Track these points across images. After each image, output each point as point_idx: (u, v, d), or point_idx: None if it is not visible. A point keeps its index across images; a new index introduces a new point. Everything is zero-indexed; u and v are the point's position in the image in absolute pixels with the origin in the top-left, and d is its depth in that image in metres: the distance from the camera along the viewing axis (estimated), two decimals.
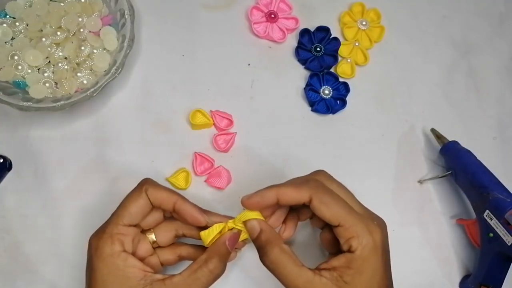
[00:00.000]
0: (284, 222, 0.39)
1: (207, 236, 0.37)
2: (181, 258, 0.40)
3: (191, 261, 0.36)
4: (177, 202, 0.37)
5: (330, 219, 0.34)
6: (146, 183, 0.38)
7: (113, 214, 0.37)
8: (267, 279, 0.44)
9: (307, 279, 0.33)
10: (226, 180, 0.46)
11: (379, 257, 0.34)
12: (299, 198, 0.35)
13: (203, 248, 0.38)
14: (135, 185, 0.45)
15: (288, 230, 0.39)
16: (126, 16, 0.45)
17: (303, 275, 0.33)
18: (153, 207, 0.38)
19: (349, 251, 0.34)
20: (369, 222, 0.35)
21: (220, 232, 0.37)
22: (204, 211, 0.38)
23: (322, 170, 0.38)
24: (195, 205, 0.38)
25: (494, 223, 0.42)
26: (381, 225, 0.36)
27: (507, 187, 0.43)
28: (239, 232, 0.37)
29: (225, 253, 0.36)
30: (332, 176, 0.38)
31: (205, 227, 0.37)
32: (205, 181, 0.46)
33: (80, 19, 0.46)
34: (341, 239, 0.34)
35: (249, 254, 0.44)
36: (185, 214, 0.37)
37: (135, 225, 0.37)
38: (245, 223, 0.36)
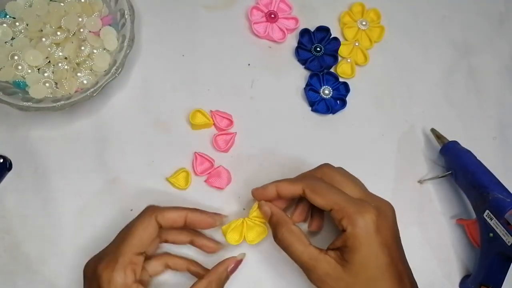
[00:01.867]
0: (311, 216, 0.44)
1: (226, 229, 0.42)
2: (167, 267, 0.41)
3: (176, 271, 0.41)
4: (188, 215, 0.40)
5: (323, 205, 0.37)
6: (153, 210, 0.39)
7: (122, 243, 0.36)
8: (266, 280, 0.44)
9: (312, 256, 0.36)
10: (226, 180, 0.46)
11: (371, 235, 0.35)
12: (293, 190, 0.39)
13: (187, 259, 0.42)
14: (135, 185, 0.45)
15: (315, 223, 0.43)
16: (126, 16, 0.45)
17: (309, 253, 0.37)
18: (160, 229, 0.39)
19: (343, 231, 0.36)
20: (363, 204, 0.37)
21: (241, 224, 0.42)
22: (213, 214, 0.42)
23: (326, 164, 0.41)
24: (203, 211, 0.41)
25: (494, 223, 0.42)
26: (380, 207, 0.37)
27: (507, 187, 0.43)
28: (241, 260, 0.42)
29: (224, 278, 0.39)
30: (333, 168, 0.41)
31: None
32: (205, 181, 0.46)
33: (80, 19, 0.46)
34: (335, 222, 0.37)
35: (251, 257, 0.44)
36: (197, 224, 0.40)
37: (143, 252, 0.38)
38: (260, 210, 0.41)
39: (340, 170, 0.41)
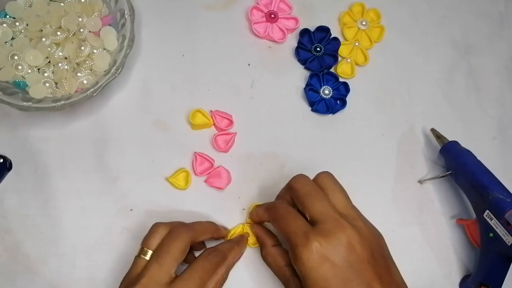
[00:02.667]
0: None
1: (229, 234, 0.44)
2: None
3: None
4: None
5: (304, 213, 0.37)
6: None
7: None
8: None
9: (284, 277, 0.39)
10: (226, 180, 0.46)
11: (342, 250, 0.34)
12: (286, 198, 0.40)
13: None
14: (135, 185, 0.45)
15: None
16: (126, 16, 0.45)
17: (283, 274, 0.40)
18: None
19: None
20: (342, 220, 0.35)
21: (241, 229, 0.45)
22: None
23: (324, 172, 0.40)
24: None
25: (494, 223, 0.42)
26: (361, 228, 0.36)
27: (507, 187, 0.43)
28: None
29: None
30: (331, 177, 0.39)
31: None
32: (205, 181, 0.46)
33: (80, 19, 0.46)
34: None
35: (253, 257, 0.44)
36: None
37: None
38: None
39: (331, 180, 0.39)
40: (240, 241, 0.43)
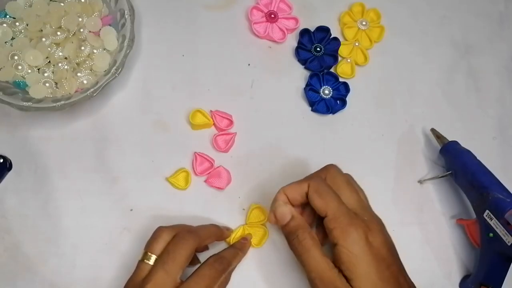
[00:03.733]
0: (317, 228, 0.42)
1: (230, 240, 0.44)
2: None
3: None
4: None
5: (319, 209, 0.37)
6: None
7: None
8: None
9: (328, 267, 0.36)
10: (226, 180, 0.46)
11: (365, 251, 0.35)
12: (300, 189, 0.39)
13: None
14: (135, 185, 0.45)
15: (320, 236, 0.41)
16: (126, 16, 0.45)
17: (325, 263, 0.36)
18: None
19: (334, 243, 0.36)
20: (355, 217, 0.36)
21: (242, 231, 0.45)
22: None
23: (331, 164, 0.41)
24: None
25: (494, 223, 0.42)
26: (371, 222, 0.37)
27: (507, 187, 0.43)
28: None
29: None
30: (338, 170, 0.40)
31: None
32: (205, 181, 0.46)
33: (80, 19, 0.46)
34: (327, 231, 0.37)
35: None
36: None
37: None
38: (275, 211, 0.39)
39: (343, 176, 0.40)
40: (243, 247, 0.43)
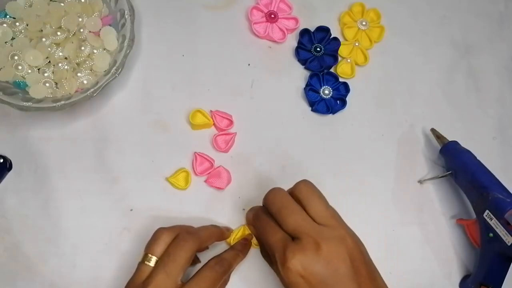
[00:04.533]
0: None
1: (231, 240, 0.44)
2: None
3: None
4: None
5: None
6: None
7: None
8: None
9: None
10: (226, 180, 0.46)
11: (319, 267, 0.34)
12: (265, 211, 0.39)
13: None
14: (135, 185, 0.45)
15: None
16: (126, 16, 0.45)
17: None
18: None
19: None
20: (317, 234, 0.35)
21: (243, 231, 0.45)
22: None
23: (304, 180, 0.39)
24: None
25: (494, 223, 0.42)
26: (337, 237, 0.35)
27: (507, 187, 0.43)
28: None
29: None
30: (309, 186, 0.38)
31: None
32: (205, 181, 0.46)
33: (80, 19, 0.46)
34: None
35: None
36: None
37: None
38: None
39: (310, 190, 0.38)
40: (244, 248, 0.43)
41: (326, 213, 0.36)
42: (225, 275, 0.38)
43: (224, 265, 0.38)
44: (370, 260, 0.37)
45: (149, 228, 0.40)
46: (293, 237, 0.35)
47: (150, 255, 0.36)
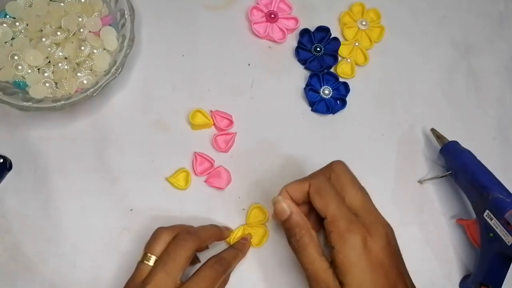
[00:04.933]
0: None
1: (230, 240, 0.44)
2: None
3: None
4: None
5: (319, 209, 0.36)
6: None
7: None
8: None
9: (321, 267, 0.35)
10: (226, 180, 0.46)
11: (361, 256, 0.34)
12: (301, 188, 0.38)
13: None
14: (135, 185, 0.45)
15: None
16: (126, 16, 0.45)
17: (320, 262, 0.36)
18: None
19: (331, 246, 0.35)
20: (354, 221, 0.35)
21: (242, 231, 0.45)
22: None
23: (337, 161, 0.40)
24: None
25: (494, 223, 0.42)
26: (374, 225, 0.36)
27: (507, 187, 0.43)
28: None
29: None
30: (343, 168, 0.39)
31: None
32: (205, 181, 0.46)
33: (80, 19, 0.46)
34: (326, 233, 0.36)
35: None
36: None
37: None
38: (274, 206, 0.39)
39: (349, 174, 0.39)
40: (243, 248, 0.43)
41: (369, 204, 0.38)
42: (224, 274, 0.38)
43: (224, 264, 0.38)
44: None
45: (149, 228, 0.40)
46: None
47: (149, 255, 0.36)
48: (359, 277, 0.34)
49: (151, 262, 0.36)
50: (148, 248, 0.37)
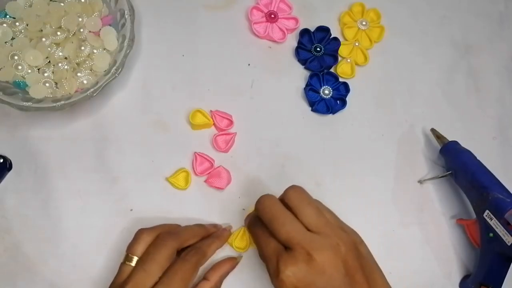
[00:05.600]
0: None
1: (232, 240, 0.44)
2: None
3: None
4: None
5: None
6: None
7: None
8: None
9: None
10: (226, 180, 0.46)
11: (312, 276, 0.33)
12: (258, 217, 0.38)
13: None
14: (135, 185, 0.45)
15: None
16: (126, 16, 0.45)
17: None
18: None
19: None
20: (309, 243, 0.34)
21: (244, 232, 0.44)
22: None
23: (293, 186, 0.38)
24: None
25: (494, 223, 0.42)
26: (330, 245, 0.34)
27: (507, 187, 0.43)
28: (238, 262, 0.44)
29: (224, 277, 0.42)
30: (298, 192, 0.37)
31: None
32: (205, 181, 0.46)
33: (80, 19, 0.46)
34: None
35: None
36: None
37: None
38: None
39: (302, 196, 0.37)
40: (220, 236, 0.43)
41: (318, 220, 0.35)
42: (199, 264, 0.39)
43: (197, 253, 0.39)
44: (370, 260, 0.36)
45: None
46: (286, 247, 0.35)
47: (131, 255, 0.37)
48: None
49: (132, 263, 0.37)
50: (129, 249, 0.38)
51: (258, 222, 0.38)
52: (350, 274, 0.34)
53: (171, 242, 0.37)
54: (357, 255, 0.35)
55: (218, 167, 0.46)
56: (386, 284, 0.36)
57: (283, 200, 0.37)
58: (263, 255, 0.36)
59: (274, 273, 0.34)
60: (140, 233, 0.38)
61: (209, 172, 0.46)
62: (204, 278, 0.41)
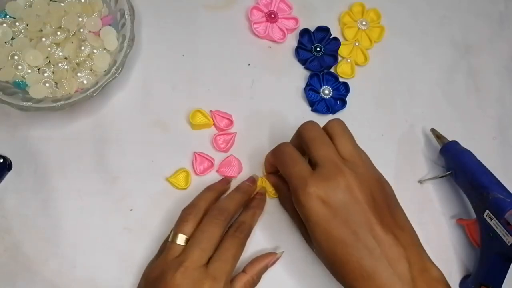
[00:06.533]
0: None
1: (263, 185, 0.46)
2: None
3: None
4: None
5: (310, 158, 0.38)
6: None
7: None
8: None
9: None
10: (237, 169, 0.46)
11: (339, 192, 0.35)
12: (295, 143, 0.41)
13: None
14: (135, 185, 0.45)
15: None
16: (126, 16, 0.45)
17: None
18: None
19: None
20: (342, 165, 0.36)
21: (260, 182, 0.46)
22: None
23: (336, 118, 0.41)
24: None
25: (494, 223, 0.42)
26: (362, 174, 0.36)
27: (507, 187, 0.43)
28: (279, 257, 0.43)
29: (262, 273, 0.42)
30: (341, 124, 0.40)
31: None
32: (217, 171, 0.46)
33: (80, 19, 0.46)
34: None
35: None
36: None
37: None
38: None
39: (340, 128, 0.40)
40: (259, 204, 0.43)
41: (353, 151, 0.38)
42: (247, 238, 0.40)
43: (245, 229, 0.40)
44: (394, 200, 0.38)
45: (149, 228, 0.40)
46: (315, 169, 0.37)
47: (181, 235, 0.38)
48: (313, 232, 0.36)
49: (182, 242, 0.38)
50: (178, 228, 0.39)
51: (287, 147, 0.40)
52: (376, 200, 0.36)
53: (222, 221, 0.39)
54: (381, 189, 0.37)
55: (229, 156, 0.46)
56: (407, 220, 0.37)
57: (325, 128, 0.40)
58: (290, 174, 0.37)
59: (301, 187, 0.35)
60: (187, 213, 0.40)
61: (210, 171, 0.46)
62: (243, 271, 0.41)
